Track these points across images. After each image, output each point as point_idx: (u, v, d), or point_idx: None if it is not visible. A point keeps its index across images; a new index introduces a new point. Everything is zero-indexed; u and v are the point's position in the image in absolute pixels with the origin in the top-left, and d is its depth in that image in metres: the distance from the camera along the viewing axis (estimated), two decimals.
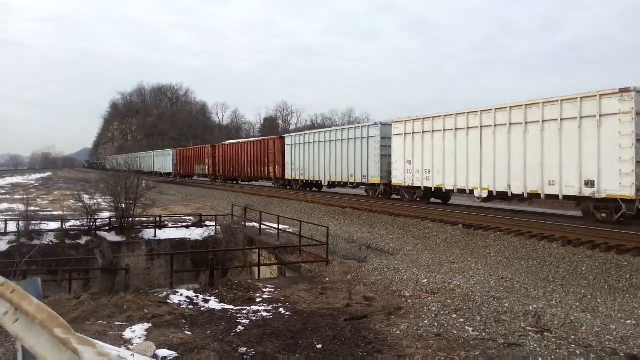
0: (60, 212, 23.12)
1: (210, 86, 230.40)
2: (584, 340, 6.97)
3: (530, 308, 8.29)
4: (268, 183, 42.17)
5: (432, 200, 23.55)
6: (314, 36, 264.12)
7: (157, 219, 20.50)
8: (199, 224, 21.26)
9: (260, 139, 45.42)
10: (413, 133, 23.14)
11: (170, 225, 21.08)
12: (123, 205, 19.68)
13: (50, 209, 27.54)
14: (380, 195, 26.59)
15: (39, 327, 2.50)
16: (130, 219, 19.58)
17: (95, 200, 21.94)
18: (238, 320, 8.25)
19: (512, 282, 10.49)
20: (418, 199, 23.38)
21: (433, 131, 21.94)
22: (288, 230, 17.47)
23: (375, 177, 26.35)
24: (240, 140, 50.45)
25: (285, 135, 38.99)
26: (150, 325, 7.88)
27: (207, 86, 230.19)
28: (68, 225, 19.38)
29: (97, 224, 19.34)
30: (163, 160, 71.94)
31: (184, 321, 8.21)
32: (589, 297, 9.36)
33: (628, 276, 10.04)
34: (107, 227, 19.32)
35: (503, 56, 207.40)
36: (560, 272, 11.04)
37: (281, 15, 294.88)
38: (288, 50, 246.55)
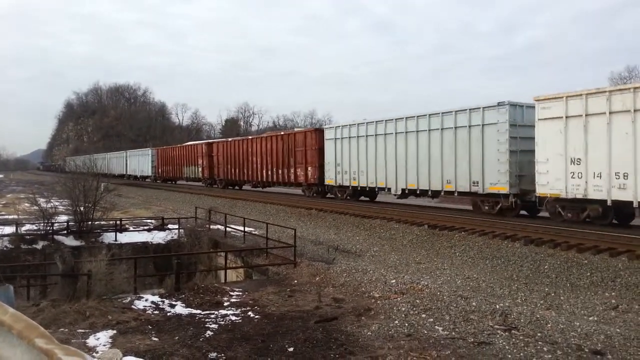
0: (15, 216, 22.21)
1: (171, 86, 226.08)
2: (550, 337, 7.13)
3: (497, 307, 8.44)
4: (290, 189, 34.09)
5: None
6: (279, 36, 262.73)
7: (118, 222, 19.94)
8: (161, 227, 20.81)
9: (284, 132, 33.64)
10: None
11: (131, 228, 20.55)
12: (82, 209, 19.06)
13: (3, 213, 26.42)
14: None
15: (16, 337, 2.33)
16: (90, 223, 18.98)
17: (51, 204, 21.19)
18: (206, 325, 8.08)
19: (478, 282, 10.67)
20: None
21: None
22: (254, 232, 17.29)
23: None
24: (250, 137, 38.26)
25: (325, 127, 29.58)
26: (114, 331, 7.64)
27: (167, 86, 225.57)
28: (23, 229, 18.63)
29: (54, 227, 18.66)
30: (139, 161, 62.26)
31: (150, 327, 7.99)
32: (553, 294, 9.61)
33: (588, 274, 10.36)
34: (65, 231, 18.67)
35: (464, 59, 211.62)
36: (523, 271, 11.30)
37: (248, 14, 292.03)
38: (252, 51, 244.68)
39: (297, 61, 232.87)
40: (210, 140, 45.79)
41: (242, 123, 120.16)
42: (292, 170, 29.78)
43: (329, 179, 26.66)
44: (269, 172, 32.52)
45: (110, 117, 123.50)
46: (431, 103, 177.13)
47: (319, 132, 28.26)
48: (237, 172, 37.15)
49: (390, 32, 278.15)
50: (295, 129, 36.07)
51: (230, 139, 40.21)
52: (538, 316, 7.91)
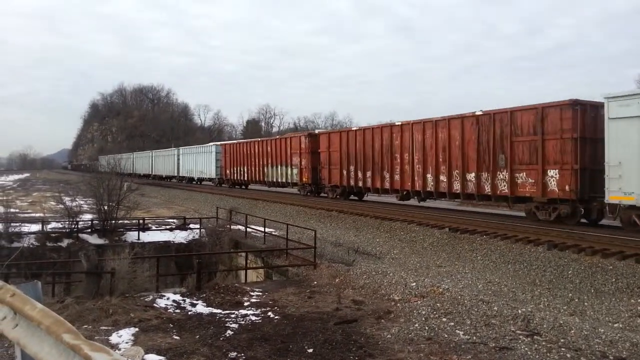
0: (41, 214, 22.68)
1: (193, 87, 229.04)
2: (574, 344, 7.01)
3: (519, 311, 8.32)
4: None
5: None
6: (301, 37, 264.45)
7: (141, 221, 20.22)
8: (183, 226, 21.03)
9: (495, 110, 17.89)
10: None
11: (153, 227, 20.82)
12: (105, 208, 19.38)
13: (29, 211, 27.01)
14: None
15: (44, 332, 2.38)
16: (113, 222, 19.28)
17: (76, 202, 21.60)
18: (227, 325, 8.14)
19: (500, 286, 10.55)
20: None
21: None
22: (274, 233, 17.37)
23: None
24: (400, 122, 22.76)
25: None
26: (137, 329, 7.73)
27: (190, 87, 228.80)
28: (49, 227, 19.00)
29: (79, 226, 19.00)
30: (198, 160, 50.94)
31: (171, 325, 8.07)
32: (576, 300, 9.45)
33: (613, 280, 10.15)
34: (90, 230, 19.00)
35: (488, 60, 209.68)
36: (547, 276, 11.13)
37: (269, 15, 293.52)
38: (274, 51, 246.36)
39: (318, 62, 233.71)
40: (315, 132, 32.55)
41: (263, 124, 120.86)
42: (501, 175, 17.51)
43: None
44: (438, 175, 20.10)
45: (134, 117, 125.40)
46: (454, 105, 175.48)
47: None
48: (369, 175, 24.27)
49: (412, 33, 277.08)
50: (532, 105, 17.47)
51: (355, 128, 26.51)
52: (561, 322, 7.78)
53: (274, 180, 34.49)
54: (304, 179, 30.61)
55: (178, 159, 57.61)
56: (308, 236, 15.43)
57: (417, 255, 14.08)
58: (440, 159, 19.90)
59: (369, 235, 17.27)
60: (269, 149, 35.27)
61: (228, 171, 43.01)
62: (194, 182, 52.46)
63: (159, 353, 6.58)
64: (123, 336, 7.38)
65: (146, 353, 6.50)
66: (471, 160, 18.51)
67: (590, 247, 11.91)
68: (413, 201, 23.20)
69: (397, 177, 22.41)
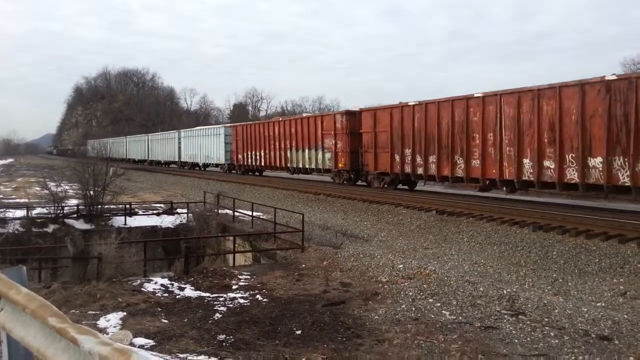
0: (25, 200, 22.43)
1: (180, 71, 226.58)
2: (557, 323, 7.14)
3: (504, 292, 8.44)
4: None
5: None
6: (291, 20, 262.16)
7: (127, 206, 20.09)
8: (170, 211, 20.95)
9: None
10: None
11: (140, 212, 20.71)
12: (91, 193, 19.22)
13: (14, 197, 26.70)
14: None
15: (30, 316, 2.36)
16: (99, 207, 19.14)
17: (61, 187, 21.39)
18: (215, 308, 8.16)
19: (486, 267, 10.68)
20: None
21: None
22: (262, 217, 17.37)
23: None
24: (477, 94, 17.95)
25: None
26: (125, 313, 7.73)
27: (176, 71, 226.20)
28: (34, 213, 18.82)
29: (64, 211, 18.84)
30: (203, 144, 45.11)
31: (159, 309, 8.08)
32: (560, 280, 9.60)
33: (597, 260, 10.33)
34: (75, 215, 18.86)
35: (478, 45, 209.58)
36: (531, 257, 11.29)
37: None
38: (262, 35, 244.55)
39: (306, 46, 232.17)
40: (355, 109, 26.30)
41: (250, 108, 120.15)
42: None
43: None
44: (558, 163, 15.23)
45: (119, 101, 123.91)
46: (443, 89, 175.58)
47: None
48: (433, 160, 19.82)
49: (402, 17, 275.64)
50: None
51: (415, 102, 20.95)
52: (545, 302, 7.91)
53: (299, 166, 29.30)
54: (339, 165, 25.59)
55: (179, 143, 52.38)
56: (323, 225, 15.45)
57: (405, 238, 14.18)
58: (546, 139, 15.55)
59: (356, 218, 17.35)
60: (292, 130, 29.91)
61: (240, 156, 37.48)
62: (198, 168, 47.94)
63: (147, 337, 6.59)
64: (111, 320, 7.38)
65: (134, 337, 6.51)
66: (598, 141, 14.11)
67: (574, 228, 12.08)
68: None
69: (475, 162, 18.06)
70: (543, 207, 15.96)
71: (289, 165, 30.47)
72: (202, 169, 47.50)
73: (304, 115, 33.44)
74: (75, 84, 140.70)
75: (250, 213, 16.96)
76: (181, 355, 5.81)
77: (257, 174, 36.91)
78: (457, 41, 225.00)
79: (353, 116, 25.17)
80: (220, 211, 19.28)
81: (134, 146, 69.88)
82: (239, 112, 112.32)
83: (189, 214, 19.68)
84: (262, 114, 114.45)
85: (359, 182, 25.24)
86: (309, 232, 14.38)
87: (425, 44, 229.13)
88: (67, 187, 22.41)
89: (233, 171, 39.60)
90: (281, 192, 24.62)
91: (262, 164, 34.12)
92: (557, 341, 6.45)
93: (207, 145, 44.45)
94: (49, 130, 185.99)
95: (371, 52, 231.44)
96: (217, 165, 43.07)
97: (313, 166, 28.09)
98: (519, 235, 12.59)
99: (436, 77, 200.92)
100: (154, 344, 6.35)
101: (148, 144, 63.45)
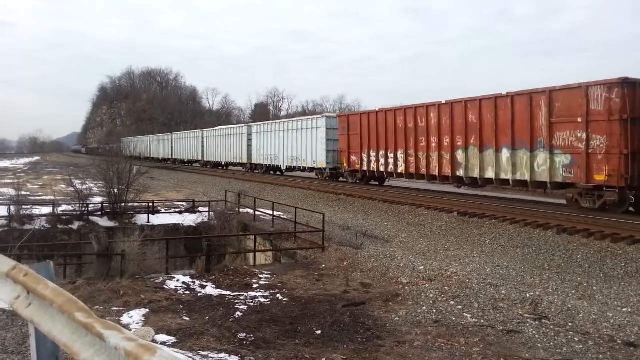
0: (52, 197, 22.89)
1: (201, 70, 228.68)
2: (582, 328, 7.02)
3: (527, 295, 8.34)
4: None
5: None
6: (312, 19, 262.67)
7: (150, 204, 20.35)
8: (192, 209, 21.15)
9: None
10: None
11: (163, 210, 20.95)
12: (115, 191, 19.51)
13: (40, 194, 27.27)
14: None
15: (57, 311, 2.41)
16: (123, 204, 19.42)
17: (86, 185, 21.76)
18: (236, 306, 8.22)
19: (508, 270, 10.54)
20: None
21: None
22: (282, 216, 17.43)
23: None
24: None
25: None
26: (147, 310, 7.83)
27: (198, 70, 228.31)
28: (60, 210, 19.18)
29: (89, 209, 19.16)
30: (291, 141, 33.56)
31: (181, 307, 8.16)
32: (585, 285, 9.43)
33: (623, 264, 10.11)
34: (100, 212, 19.16)
35: (499, 43, 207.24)
36: (555, 260, 11.11)
37: None
38: (282, 34, 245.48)
39: (327, 45, 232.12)
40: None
41: (271, 108, 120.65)
42: None
43: None
44: None
45: (142, 101, 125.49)
46: (462, 89, 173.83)
47: None
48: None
49: (423, 15, 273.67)
50: None
51: None
52: (570, 306, 7.79)
53: (487, 174, 18.38)
54: (600, 176, 14.55)
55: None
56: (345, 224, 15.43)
57: (426, 239, 14.09)
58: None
59: (377, 219, 17.28)
60: (472, 117, 18.87)
61: (355, 157, 25.99)
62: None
63: (169, 333, 6.66)
64: (134, 317, 7.48)
65: (157, 333, 6.58)
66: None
67: (600, 232, 11.85)
68: None
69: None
70: (568, 210, 15.68)
71: (458, 172, 19.73)
72: (274, 172, 39.43)
73: (499, 94, 17.99)
74: (100, 83, 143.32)
75: (271, 212, 17.03)
76: (202, 353, 5.86)
77: (376, 183, 26.80)
78: (479, 39, 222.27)
79: (633, 89, 14.10)
80: (241, 210, 19.39)
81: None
82: (260, 111, 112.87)
83: (211, 213, 19.85)
84: (283, 113, 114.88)
85: None
86: (330, 232, 14.38)
87: (446, 41, 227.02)
88: (91, 185, 22.78)
89: (341, 179, 29.26)
90: (301, 192, 24.66)
91: (403, 169, 22.71)
92: (581, 346, 6.34)
93: (296, 142, 33.41)
94: (75, 129, 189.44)
95: (392, 50, 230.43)
96: (314, 169, 31.55)
97: (522, 176, 17.08)
98: (542, 238, 12.40)
99: (456, 75, 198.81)
100: (175, 341, 6.42)
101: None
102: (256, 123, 44.62)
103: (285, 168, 34.99)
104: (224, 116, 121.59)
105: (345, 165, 27.06)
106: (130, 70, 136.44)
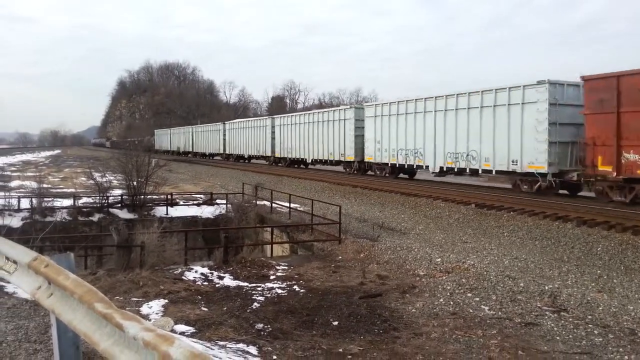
0: (72, 190, 23.25)
1: (218, 64, 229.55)
2: (601, 321, 6.94)
3: (546, 288, 8.26)
4: None
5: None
6: (326, 11, 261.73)
7: (169, 196, 20.56)
8: (209, 202, 21.32)
9: None
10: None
11: (181, 203, 21.15)
12: (134, 183, 19.75)
13: (61, 186, 27.71)
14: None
15: (77, 301, 2.46)
16: (142, 197, 19.65)
17: (106, 178, 22.05)
18: (253, 297, 8.28)
19: (527, 262, 10.44)
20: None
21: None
22: (299, 208, 17.48)
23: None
24: None
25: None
26: (166, 301, 7.93)
27: (215, 64, 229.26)
28: (80, 202, 19.48)
29: (109, 201, 19.44)
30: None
31: (199, 297, 8.25)
32: (605, 277, 9.31)
33: None
34: (119, 205, 19.42)
35: (516, 35, 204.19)
36: (575, 253, 10.98)
37: None
38: (299, 27, 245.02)
39: (343, 38, 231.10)
40: None
41: (287, 100, 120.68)
42: None
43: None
44: None
45: (160, 94, 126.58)
46: (482, 80, 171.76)
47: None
48: None
49: (440, 6, 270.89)
50: None
51: None
52: (589, 299, 7.70)
53: None
54: None
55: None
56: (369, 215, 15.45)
57: (443, 231, 14.01)
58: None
59: (393, 211, 17.24)
60: None
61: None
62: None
63: (187, 324, 6.74)
64: (153, 307, 7.58)
65: (175, 324, 6.67)
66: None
67: (620, 224, 11.68)
68: None
69: None
70: (587, 202, 15.47)
71: None
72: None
73: None
74: (119, 77, 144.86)
75: (287, 204, 17.09)
76: (220, 343, 5.93)
77: None
78: (496, 31, 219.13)
79: None
80: (258, 202, 19.49)
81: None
82: (277, 104, 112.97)
83: (228, 205, 19.98)
84: (299, 106, 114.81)
85: None
86: (346, 225, 14.37)
87: (463, 34, 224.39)
88: (111, 178, 23.07)
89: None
90: (318, 184, 24.69)
91: None
92: (601, 339, 6.27)
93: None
94: (94, 123, 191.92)
95: (407, 43, 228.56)
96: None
97: None
98: (561, 231, 12.25)
99: (473, 68, 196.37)
100: (194, 331, 6.50)
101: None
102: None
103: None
104: (240, 109, 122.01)
105: (597, 167, 14.96)
106: (149, 64, 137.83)
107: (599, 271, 9.73)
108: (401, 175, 26.16)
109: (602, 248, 10.81)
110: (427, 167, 22.85)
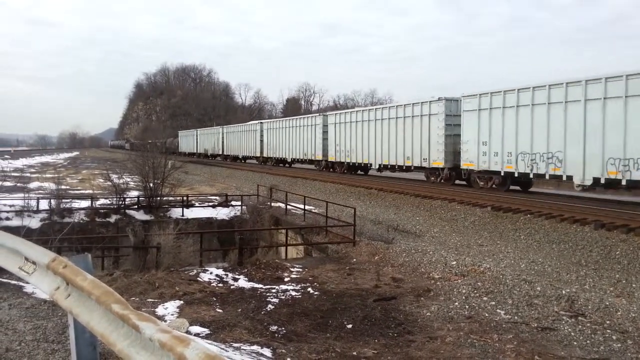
0: (90, 191, 23.55)
1: (234, 66, 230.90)
2: (620, 326, 6.83)
3: (563, 292, 8.15)
4: None
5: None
6: (342, 12, 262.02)
7: (185, 198, 20.72)
8: (225, 203, 21.43)
9: None
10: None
11: (197, 204, 21.30)
12: (151, 185, 19.94)
13: (79, 188, 28.07)
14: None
15: (94, 302, 2.50)
16: (158, 198, 19.83)
17: (123, 180, 22.30)
18: (268, 299, 8.30)
19: (544, 266, 10.33)
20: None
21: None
22: (313, 210, 17.49)
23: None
24: None
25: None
26: (181, 302, 7.98)
27: (231, 66, 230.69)
28: (98, 203, 19.72)
29: (126, 202, 19.64)
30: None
31: (214, 299, 8.30)
32: (624, 281, 9.16)
33: None
34: (136, 206, 19.62)
35: (537, 34, 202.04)
36: (593, 256, 10.83)
37: None
38: (315, 28, 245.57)
39: (359, 38, 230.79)
40: None
41: (302, 102, 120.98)
42: None
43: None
44: None
45: (177, 97, 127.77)
46: (502, 80, 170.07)
47: None
48: None
49: (458, 4, 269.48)
50: None
51: None
52: (607, 303, 7.58)
53: None
54: None
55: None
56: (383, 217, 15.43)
57: (458, 234, 13.92)
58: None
59: (408, 213, 17.17)
60: None
61: None
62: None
63: (202, 325, 6.78)
64: (169, 308, 7.64)
65: (190, 325, 6.71)
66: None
67: None
68: None
69: None
70: (606, 204, 15.26)
71: None
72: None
73: None
74: (136, 79, 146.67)
75: (302, 206, 17.11)
76: (235, 345, 5.95)
77: None
78: (517, 29, 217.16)
79: None
80: (272, 204, 19.54)
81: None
82: (292, 106, 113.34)
83: (243, 207, 20.07)
84: (314, 108, 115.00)
85: None
86: (361, 227, 14.35)
87: (482, 33, 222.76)
88: (128, 180, 23.32)
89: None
90: (332, 186, 24.68)
91: None
92: (619, 345, 6.18)
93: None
94: (111, 125, 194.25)
95: (424, 42, 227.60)
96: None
97: None
98: (579, 234, 12.09)
99: (495, 68, 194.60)
100: (208, 332, 6.54)
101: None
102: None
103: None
104: (256, 111, 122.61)
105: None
106: (165, 67, 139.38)
107: (617, 275, 9.58)
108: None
109: (620, 252, 10.65)
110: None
